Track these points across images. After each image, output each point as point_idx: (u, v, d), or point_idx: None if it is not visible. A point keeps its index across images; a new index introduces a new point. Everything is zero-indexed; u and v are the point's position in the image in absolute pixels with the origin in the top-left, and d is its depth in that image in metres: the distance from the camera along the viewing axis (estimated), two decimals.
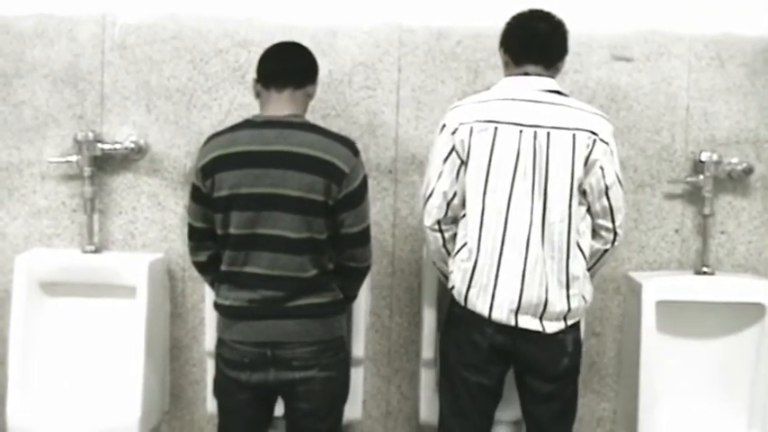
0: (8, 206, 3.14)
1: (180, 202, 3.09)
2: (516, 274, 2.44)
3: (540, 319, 2.46)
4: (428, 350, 2.86)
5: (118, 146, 3.07)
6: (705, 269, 3.05)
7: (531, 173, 2.44)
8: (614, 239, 2.55)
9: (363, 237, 2.51)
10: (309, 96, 2.58)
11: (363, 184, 2.48)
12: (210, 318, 2.72)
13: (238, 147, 2.43)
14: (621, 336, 3.14)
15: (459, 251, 2.52)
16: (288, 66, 2.54)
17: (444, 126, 2.52)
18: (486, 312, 2.47)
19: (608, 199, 2.49)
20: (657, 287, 2.90)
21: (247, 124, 2.49)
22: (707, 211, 3.05)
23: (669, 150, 3.10)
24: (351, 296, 2.62)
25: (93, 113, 3.12)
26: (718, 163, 3.05)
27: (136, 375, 2.87)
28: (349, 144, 2.48)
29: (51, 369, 2.98)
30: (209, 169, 2.44)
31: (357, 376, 2.83)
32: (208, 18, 3.09)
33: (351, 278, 2.56)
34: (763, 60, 3.09)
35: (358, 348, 2.84)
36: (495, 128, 2.45)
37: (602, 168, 2.46)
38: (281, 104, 2.49)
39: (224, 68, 3.09)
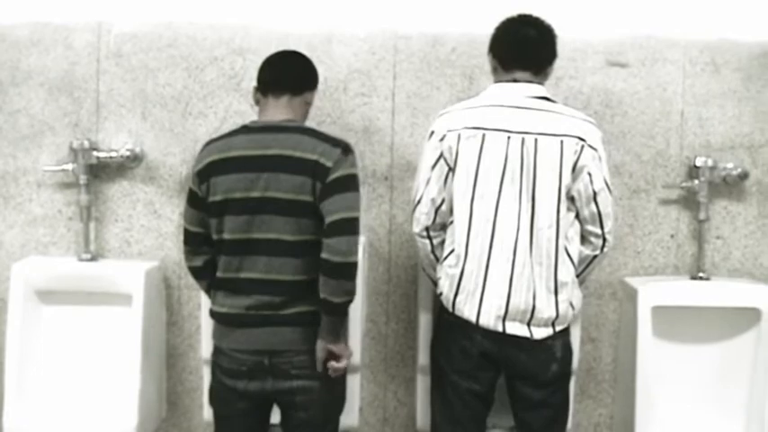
0: (4, 214, 3.14)
1: (176, 209, 3.09)
2: (504, 279, 2.45)
3: (528, 325, 2.47)
4: (424, 356, 2.85)
5: (113, 154, 3.07)
6: (701, 274, 3.06)
7: (518, 179, 2.44)
8: (603, 246, 2.55)
9: (339, 227, 2.34)
10: (308, 104, 2.59)
11: (347, 177, 2.40)
12: (207, 325, 2.72)
13: (234, 151, 2.44)
14: (618, 341, 3.14)
15: (446, 257, 2.53)
16: (286, 73, 2.55)
17: (433, 133, 2.53)
18: (473, 318, 2.47)
19: (596, 205, 2.50)
20: (653, 292, 2.91)
21: (243, 130, 2.50)
22: (702, 216, 3.06)
23: (664, 156, 3.11)
24: (330, 302, 2.36)
25: (89, 121, 3.12)
26: (713, 168, 3.05)
27: (132, 383, 2.87)
28: (339, 144, 2.44)
29: (48, 377, 2.97)
30: (205, 174, 2.46)
31: (354, 383, 2.82)
32: (203, 26, 3.09)
33: (324, 274, 2.35)
34: (758, 65, 3.09)
35: (354, 355, 2.83)
36: (483, 134, 2.46)
37: (590, 174, 2.47)
38: (278, 110, 2.51)
39: (219, 76, 3.10)
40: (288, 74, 2.55)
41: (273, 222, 2.40)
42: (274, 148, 2.41)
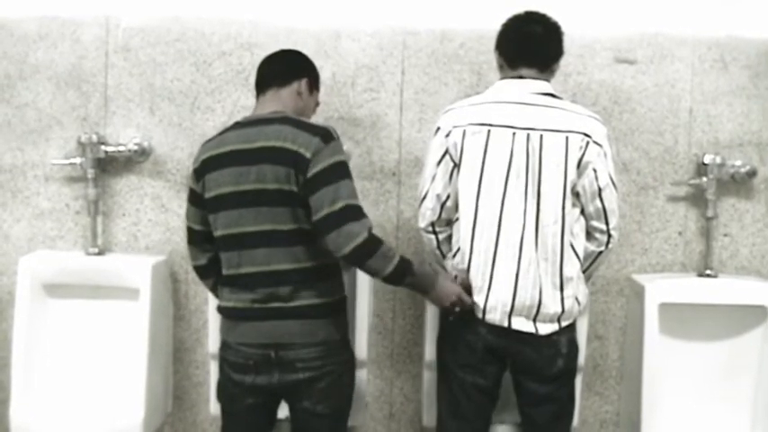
0: (12, 208, 3.15)
1: (183, 204, 3.03)
2: (510, 276, 2.45)
3: (534, 320, 2.47)
4: (431, 352, 2.85)
5: (121, 148, 3.07)
6: (708, 272, 3.05)
7: (524, 175, 2.44)
8: (608, 241, 2.55)
9: (327, 223, 2.32)
10: (300, 94, 2.57)
11: (329, 168, 2.35)
12: (214, 320, 2.73)
13: (225, 147, 2.46)
14: (624, 338, 3.14)
15: (452, 253, 2.54)
16: (267, 69, 2.60)
17: (438, 129, 2.54)
18: (479, 314, 2.48)
19: (601, 201, 2.50)
20: (660, 289, 2.90)
21: (235, 126, 2.52)
22: (710, 213, 3.05)
23: (672, 153, 3.10)
24: (384, 278, 2.39)
25: (97, 116, 3.12)
26: (721, 165, 3.05)
27: (139, 377, 2.87)
28: (319, 131, 2.40)
29: (55, 371, 2.98)
30: (201, 171, 2.49)
31: (360, 379, 2.82)
32: (211, 20, 3.09)
33: (348, 267, 2.48)
34: (767, 63, 3.09)
35: (361, 350, 2.83)
36: (489, 130, 2.46)
37: (595, 170, 2.47)
38: (266, 104, 2.54)
39: (227, 71, 3.10)
40: (268, 69, 2.59)
41: (268, 213, 2.40)
42: (260, 141, 2.42)
